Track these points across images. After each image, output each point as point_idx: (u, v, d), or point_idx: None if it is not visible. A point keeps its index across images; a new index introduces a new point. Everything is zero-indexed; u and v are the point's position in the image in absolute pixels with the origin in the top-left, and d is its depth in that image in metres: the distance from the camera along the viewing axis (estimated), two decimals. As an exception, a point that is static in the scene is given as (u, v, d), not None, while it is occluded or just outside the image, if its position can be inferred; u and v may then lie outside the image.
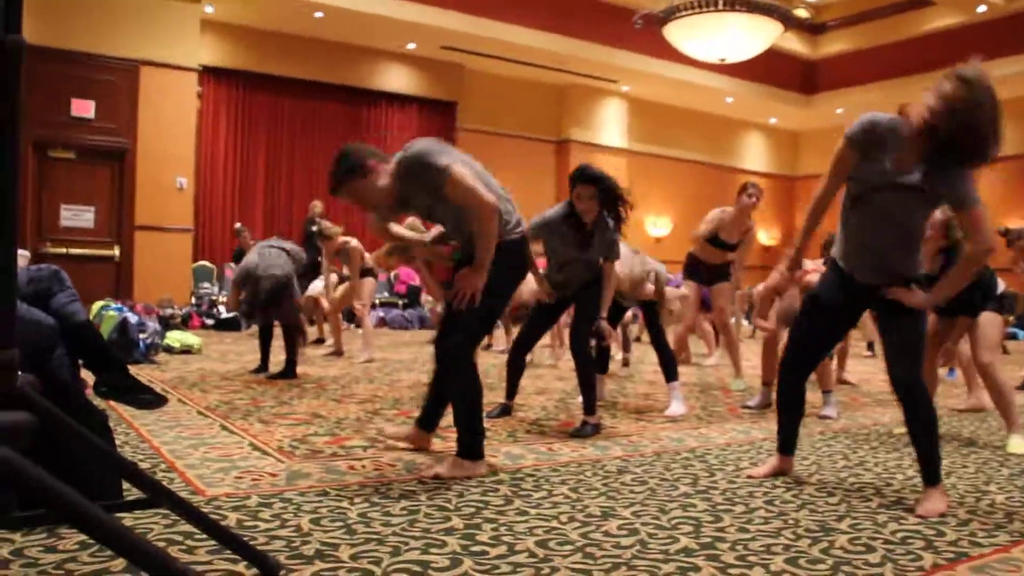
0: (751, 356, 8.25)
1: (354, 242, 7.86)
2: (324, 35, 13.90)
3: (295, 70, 14.01)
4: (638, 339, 10.60)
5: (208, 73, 13.16)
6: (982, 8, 14.13)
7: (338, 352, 8.10)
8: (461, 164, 3.29)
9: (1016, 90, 15.18)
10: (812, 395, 6.02)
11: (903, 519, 2.81)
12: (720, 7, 10.74)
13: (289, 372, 6.10)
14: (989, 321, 4.42)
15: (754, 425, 4.76)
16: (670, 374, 5.18)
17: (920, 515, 2.86)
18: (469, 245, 3.34)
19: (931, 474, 3.01)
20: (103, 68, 11.57)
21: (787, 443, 3.45)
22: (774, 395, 3.71)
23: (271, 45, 13.74)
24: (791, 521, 2.74)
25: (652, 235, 17.09)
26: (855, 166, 3.03)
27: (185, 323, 10.65)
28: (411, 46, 14.53)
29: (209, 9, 12.70)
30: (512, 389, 4.85)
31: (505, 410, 4.81)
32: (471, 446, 3.30)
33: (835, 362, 6.46)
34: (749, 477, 3.39)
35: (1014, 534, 2.67)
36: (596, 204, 4.30)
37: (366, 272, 8.02)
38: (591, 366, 4.41)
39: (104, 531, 1.36)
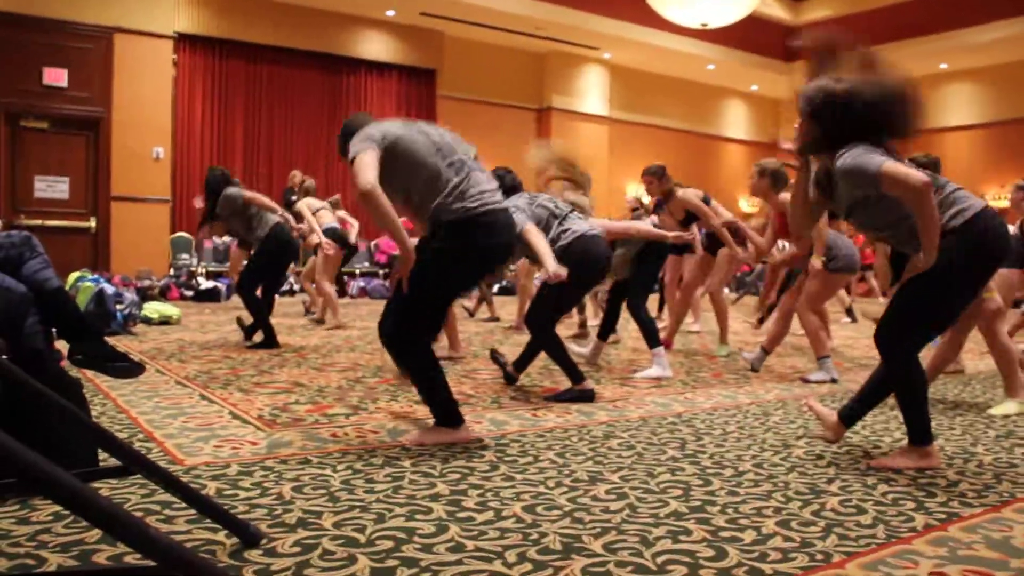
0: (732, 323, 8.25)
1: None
2: (303, 1, 13.67)
3: (273, 37, 13.78)
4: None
5: (184, 40, 12.92)
6: (963, -27, 14.12)
7: (320, 320, 8.07)
8: (369, 142, 3.06)
9: (992, 57, 15.25)
10: (802, 362, 6.01)
11: (893, 481, 2.78)
12: (702, -29, 10.65)
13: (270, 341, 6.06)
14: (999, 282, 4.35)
15: (740, 390, 4.74)
16: (651, 340, 5.18)
17: (870, 464, 2.98)
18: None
19: (910, 433, 3.01)
20: (76, 36, 11.34)
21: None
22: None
23: (248, 12, 13.50)
24: (781, 484, 2.71)
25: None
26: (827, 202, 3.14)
27: (163, 295, 10.52)
28: (390, 13, 14.32)
29: (183, -25, 12.47)
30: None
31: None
32: (442, 416, 3.25)
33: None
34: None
35: (1003, 494, 2.66)
36: None
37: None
38: (552, 342, 4.32)
39: (77, 500, 1.30)
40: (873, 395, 3.16)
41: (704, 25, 11.93)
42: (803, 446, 3.31)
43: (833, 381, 5.08)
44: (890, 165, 2.73)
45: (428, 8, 14.03)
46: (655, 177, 6.31)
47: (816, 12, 17.53)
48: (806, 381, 5.10)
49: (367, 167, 2.98)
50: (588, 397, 4.19)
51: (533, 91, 16.65)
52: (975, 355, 6.41)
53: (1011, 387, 4.21)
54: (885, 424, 3.80)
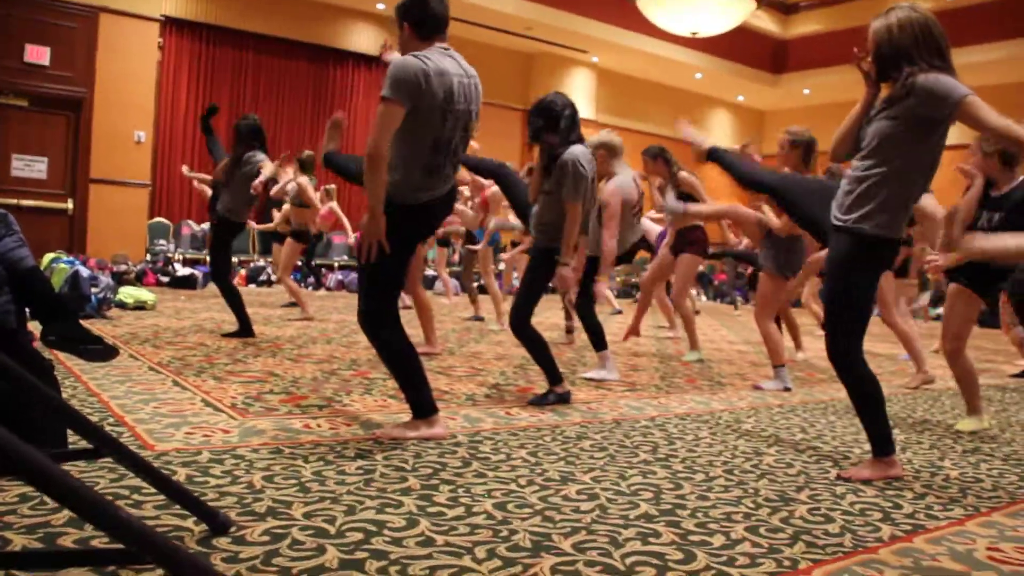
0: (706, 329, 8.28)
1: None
2: (291, -9, 13.61)
3: (261, 25, 13.69)
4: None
5: (170, 24, 12.82)
6: (952, -6, 14.27)
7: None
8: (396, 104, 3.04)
9: (982, 78, 15.37)
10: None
11: (861, 491, 2.81)
12: (694, -20, 10.70)
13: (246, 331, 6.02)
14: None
15: (713, 396, 4.76)
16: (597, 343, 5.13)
17: (841, 475, 2.99)
18: None
19: (871, 444, 3.05)
20: (60, 13, 11.22)
21: None
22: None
23: (237, -1, 13.42)
24: (751, 490, 2.73)
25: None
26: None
27: (139, 280, 10.43)
28: (380, 6, 14.28)
29: (172, -42, 12.37)
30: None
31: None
32: (415, 404, 3.22)
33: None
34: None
35: (968, 508, 2.69)
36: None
37: (299, 234, 7.90)
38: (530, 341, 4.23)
39: (47, 479, 1.29)
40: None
41: (694, 34, 11.99)
42: (774, 454, 3.33)
43: (786, 390, 5.10)
44: (976, 98, 2.72)
45: (418, 3, 13.99)
46: (661, 158, 6.27)
47: (806, 26, 17.66)
48: (758, 388, 5.13)
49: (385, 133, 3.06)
50: (566, 399, 4.19)
51: (520, 91, 16.65)
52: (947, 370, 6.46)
53: (972, 405, 4.24)
54: (856, 435, 3.83)
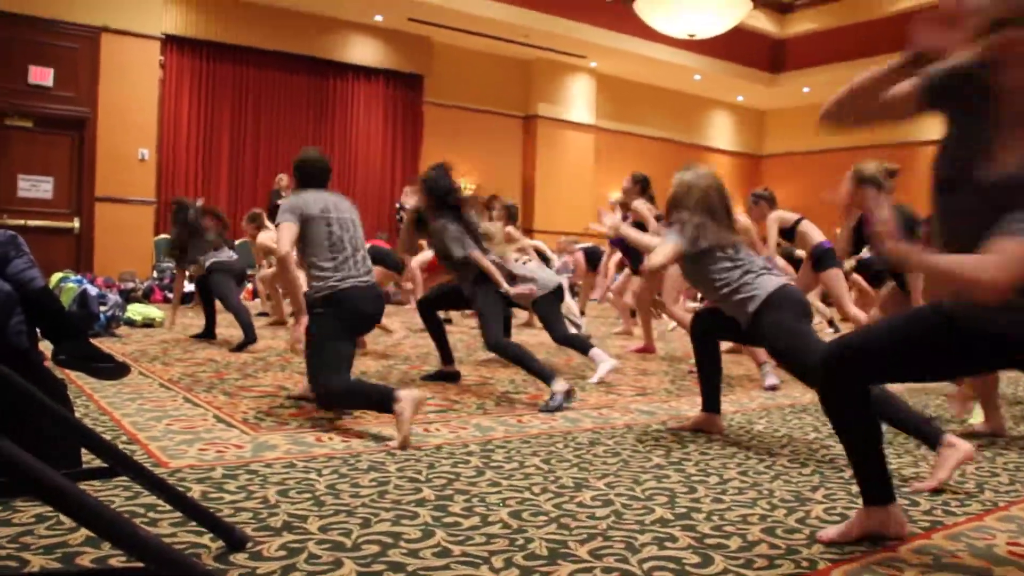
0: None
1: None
2: (290, 5, 13.61)
3: (260, 40, 13.71)
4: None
5: (171, 42, 12.85)
6: (948, -11, 14.27)
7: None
8: (290, 216, 3.76)
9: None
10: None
11: (876, 490, 2.80)
12: (691, -18, 10.71)
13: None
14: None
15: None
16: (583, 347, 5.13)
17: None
18: None
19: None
20: (63, 34, 11.26)
21: None
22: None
23: (236, 14, 13.44)
24: (766, 491, 2.72)
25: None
26: None
27: (147, 297, 10.45)
28: (378, 18, 14.30)
29: (171, -24, 12.41)
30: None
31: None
32: (378, 409, 3.40)
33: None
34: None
35: (986, 503, 2.68)
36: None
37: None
38: (514, 349, 4.46)
39: (68, 500, 1.29)
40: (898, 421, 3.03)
41: (692, 36, 12.00)
42: (787, 454, 3.32)
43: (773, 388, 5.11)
44: None
45: (416, 14, 14.02)
46: (639, 185, 6.35)
47: (803, 25, 17.65)
48: (772, 388, 5.09)
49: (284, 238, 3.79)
50: (570, 396, 4.24)
51: (520, 99, 16.66)
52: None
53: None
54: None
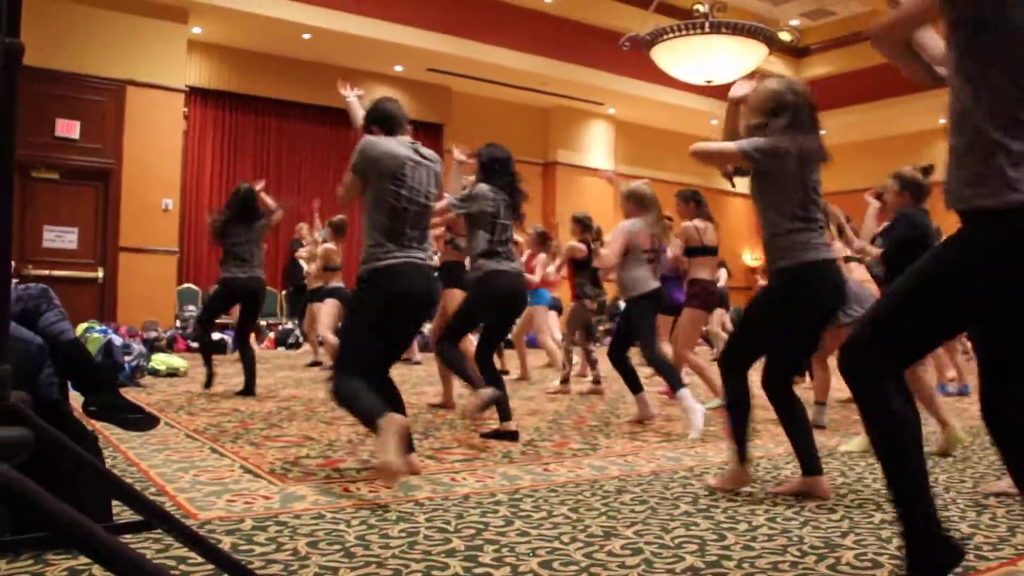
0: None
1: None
2: (312, 57, 13.87)
3: (282, 91, 13.96)
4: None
5: (195, 94, 13.11)
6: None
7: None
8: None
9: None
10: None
11: (908, 537, 2.77)
12: (706, 30, 10.78)
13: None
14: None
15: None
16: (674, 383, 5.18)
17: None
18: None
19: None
20: (89, 88, 11.50)
21: None
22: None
23: (259, 66, 13.70)
24: (795, 538, 2.70)
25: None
26: None
27: (170, 346, 10.53)
28: (398, 68, 14.53)
29: (196, 30, 12.66)
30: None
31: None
32: (366, 422, 3.37)
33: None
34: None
35: (1019, 547, 2.64)
36: None
37: (330, 292, 8.03)
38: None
39: (108, 553, 1.31)
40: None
41: (709, 82, 12.07)
42: (815, 500, 3.29)
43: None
44: None
45: (435, 64, 14.24)
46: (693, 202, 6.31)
47: (818, 68, 17.76)
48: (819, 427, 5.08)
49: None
50: (489, 402, 4.47)
51: (538, 145, 16.81)
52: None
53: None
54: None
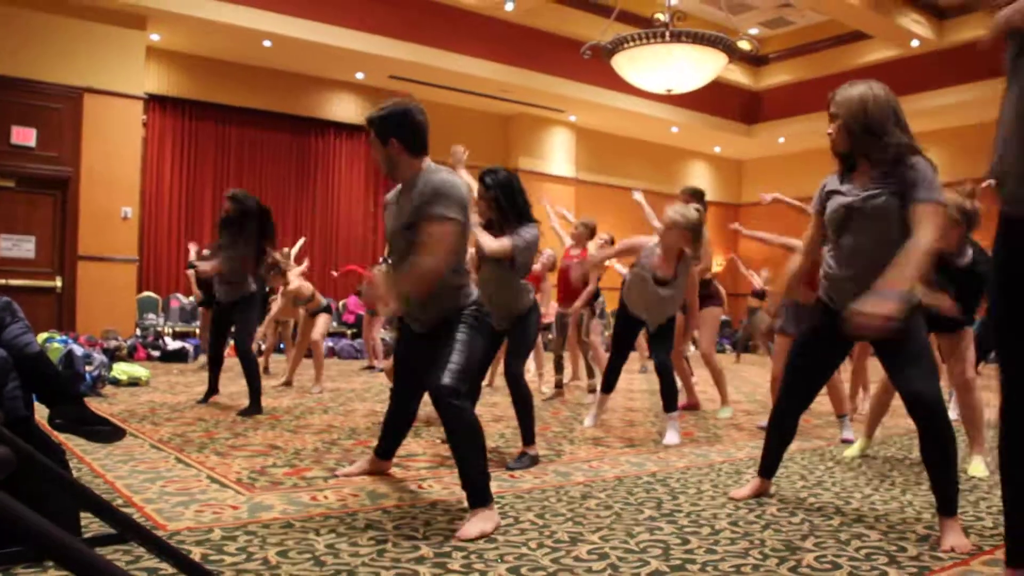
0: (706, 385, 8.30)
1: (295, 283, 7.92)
2: (272, 64, 13.81)
3: (243, 99, 13.88)
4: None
5: (154, 101, 12.98)
6: (915, 43, 14.69)
7: (288, 383, 7.99)
8: None
9: (946, 121, 15.73)
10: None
11: (865, 536, 2.86)
12: (667, 39, 10.91)
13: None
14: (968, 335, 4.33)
15: (712, 448, 4.81)
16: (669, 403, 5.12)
17: (948, 549, 2.71)
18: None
19: (948, 503, 2.87)
20: (45, 95, 11.34)
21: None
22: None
23: (218, 74, 13.61)
24: (757, 541, 2.77)
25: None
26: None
27: (130, 355, 10.42)
28: (360, 76, 14.51)
29: (155, 37, 12.54)
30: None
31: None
32: (482, 490, 2.96)
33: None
34: (731, 498, 3.43)
35: (971, 548, 2.74)
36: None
37: (324, 309, 8.04)
38: (528, 396, 4.23)
39: (90, 568, 1.33)
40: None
41: (669, 91, 12.20)
42: (776, 503, 3.38)
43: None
44: None
45: (397, 71, 14.24)
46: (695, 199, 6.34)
47: (777, 77, 18.03)
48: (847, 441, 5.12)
49: None
50: (535, 462, 4.20)
51: (500, 152, 16.86)
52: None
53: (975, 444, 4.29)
54: (855, 479, 3.88)
